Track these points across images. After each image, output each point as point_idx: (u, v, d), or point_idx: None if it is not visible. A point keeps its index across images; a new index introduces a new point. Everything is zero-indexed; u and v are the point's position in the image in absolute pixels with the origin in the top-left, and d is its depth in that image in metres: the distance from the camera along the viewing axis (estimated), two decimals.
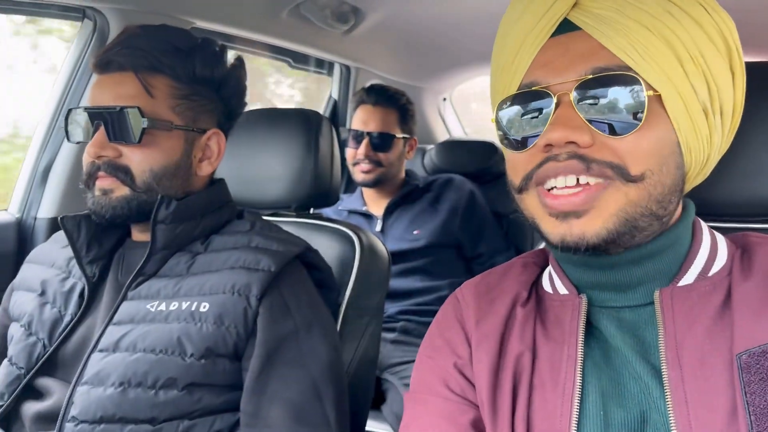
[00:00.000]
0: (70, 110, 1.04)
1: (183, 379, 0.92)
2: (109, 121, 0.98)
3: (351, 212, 2.19)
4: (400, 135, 2.11)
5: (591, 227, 0.64)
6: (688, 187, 0.74)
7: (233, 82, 1.13)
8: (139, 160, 1.00)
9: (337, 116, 2.61)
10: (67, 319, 1.02)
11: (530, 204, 0.70)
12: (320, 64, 2.56)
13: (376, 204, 2.18)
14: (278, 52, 2.22)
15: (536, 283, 0.81)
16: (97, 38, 1.50)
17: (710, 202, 0.87)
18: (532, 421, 0.69)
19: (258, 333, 0.96)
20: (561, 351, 0.70)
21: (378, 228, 2.12)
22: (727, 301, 0.66)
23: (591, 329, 0.71)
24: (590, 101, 0.64)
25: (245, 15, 1.77)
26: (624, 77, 0.63)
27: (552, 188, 0.66)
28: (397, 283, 2.04)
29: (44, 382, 0.99)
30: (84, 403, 0.91)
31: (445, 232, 2.08)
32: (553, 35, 0.68)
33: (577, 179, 0.64)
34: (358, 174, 2.10)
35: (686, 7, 0.65)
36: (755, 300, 0.65)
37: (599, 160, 0.64)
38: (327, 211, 2.21)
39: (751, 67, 0.75)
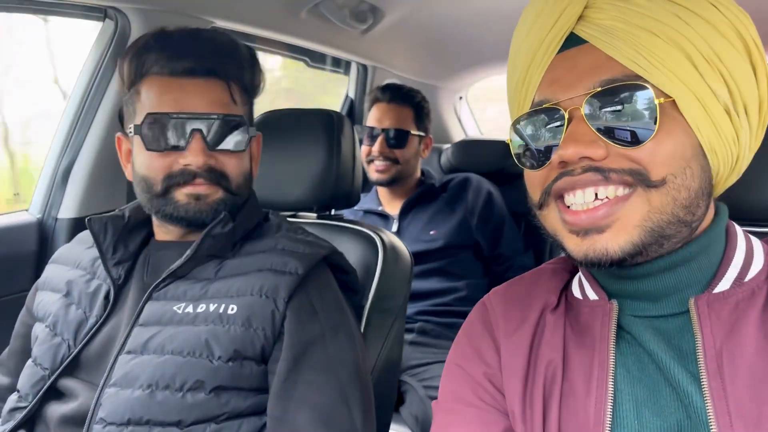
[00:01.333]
0: (148, 115, 0.99)
1: (210, 382, 0.91)
2: (206, 129, 0.99)
3: (366, 212, 2.18)
4: (415, 132, 2.10)
5: (614, 242, 0.63)
6: (721, 190, 0.72)
7: (261, 88, 1.14)
8: (234, 166, 1.03)
9: (353, 115, 2.60)
10: (92, 320, 1.02)
11: (551, 220, 0.69)
12: (337, 63, 2.56)
13: (391, 204, 2.16)
14: (296, 51, 2.21)
15: (566, 289, 0.79)
16: (119, 38, 1.50)
17: (745, 206, 0.85)
18: (563, 430, 0.68)
19: (285, 336, 0.96)
20: (592, 358, 0.69)
21: (394, 228, 2.10)
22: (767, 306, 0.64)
23: (623, 335, 0.70)
24: (601, 114, 0.63)
25: (265, 14, 1.77)
26: (632, 86, 0.62)
27: (571, 205, 0.66)
28: (414, 285, 2.01)
29: (68, 383, 0.98)
30: (112, 404, 0.91)
31: (462, 232, 2.07)
32: (561, 51, 0.67)
33: (596, 194, 0.64)
34: (373, 172, 2.09)
35: (695, 8, 0.63)
36: None
37: (617, 169, 0.63)
38: (344, 211, 2.20)
39: None
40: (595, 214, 0.64)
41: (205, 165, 0.99)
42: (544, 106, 0.67)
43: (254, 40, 1.95)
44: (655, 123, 0.61)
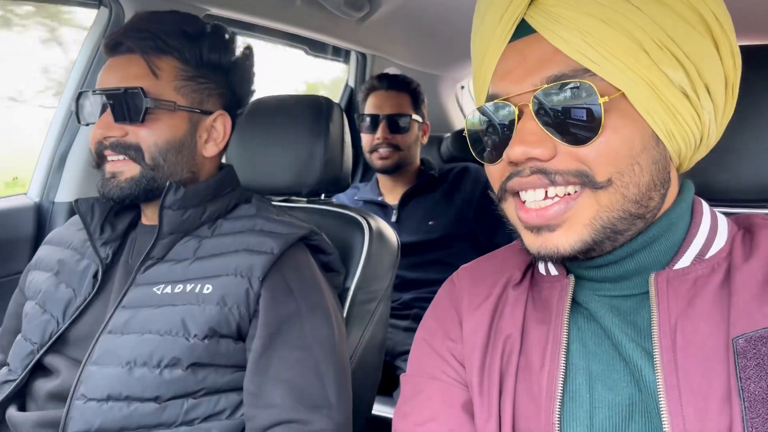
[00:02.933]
0: (80, 93, 1.07)
1: (187, 359, 0.94)
2: (114, 102, 1.01)
3: (366, 202, 2.19)
4: (415, 116, 2.11)
5: (564, 240, 0.64)
6: (688, 165, 0.72)
7: (241, 69, 1.15)
8: (145, 137, 1.03)
9: (353, 104, 2.61)
10: (80, 299, 1.05)
11: (510, 214, 0.71)
12: (337, 51, 2.56)
13: (391, 194, 2.18)
14: (294, 39, 2.22)
15: (534, 265, 0.80)
16: (113, 25, 1.52)
17: (716, 186, 0.85)
18: (518, 403, 0.69)
19: (260, 314, 0.98)
20: (548, 332, 0.70)
21: (393, 219, 2.11)
22: (726, 283, 0.65)
23: (581, 310, 0.71)
24: (548, 111, 0.63)
25: (259, 1, 1.78)
26: (578, 84, 0.61)
27: (525, 201, 0.66)
28: (411, 274, 2.04)
29: (54, 360, 1.01)
30: (92, 381, 0.93)
31: (460, 222, 2.07)
32: (514, 39, 0.66)
33: (546, 192, 0.64)
34: (377, 161, 2.10)
35: None
36: (755, 283, 0.63)
37: (562, 171, 0.63)
38: (343, 200, 2.22)
39: (756, 50, 0.73)
40: (546, 214, 0.64)
41: (109, 136, 1.02)
42: (495, 101, 0.67)
43: (252, 28, 1.96)
44: (601, 121, 0.61)
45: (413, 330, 1.94)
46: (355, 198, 2.23)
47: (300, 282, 1.03)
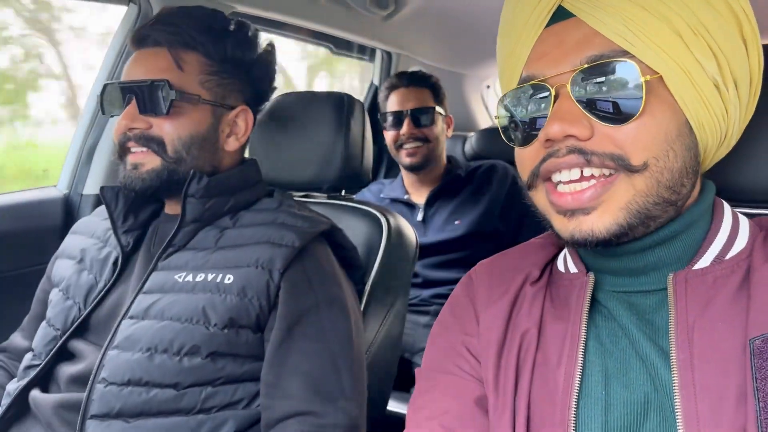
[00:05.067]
0: (105, 85, 1.09)
1: (206, 348, 0.95)
2: (140, 94, 1.03)
3: (393, 200, 2.19)
4: (438, 109, 2.11)
5: (600, 223, 0.63)
6: (709, 164, 0.72)
7: (264, 66, 1.17)
8: (169, 130, 1.05)
9: (378, 103, 2.62)
10: (101, 285, 1.07)
11: (540, 201, 0.70)
12: (362, 50, 2.57)
13: (418, 192, 2.17)
14: (319, 37, 2.24)
15: (552, 263, 0.80)
16: (141, 21, 1.55)
17: (736, 187, 0.84)
18: (533, 399, 0.69)
19: (279, 306, 0.99)
20: (565, 329, 0.70)
21: (419, 218, 2.11)
22: (745, 283, 0.64)
23: (600, 308, 0.71)
24: (587, 91, 0.63)
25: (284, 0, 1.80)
26: (619, 63, 0.62)
27: (558, 183, 0.66)
28: (434, 274, 2.04)
29: (78, 345, 1.04)
30: (114, 365, 0.96)
31: (485, 220, 2.06)
32: (549, 24, 0.67)
33: (581, 171, 0.64)
34: (404, 158, 2.10)
35: None
36: None
37: (599, 153, 0.63)
38: (368, 197, 2.23)
39: None
40: (581, 197, 0.64)
41: (133, 128, 1.04)
42: (531, 82, 0.67)
43: (278, 26, 1.99)
44: (641, 100, 0.61)
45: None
46: (381, 195, 2.23)
47: (319, 276, 1.04)
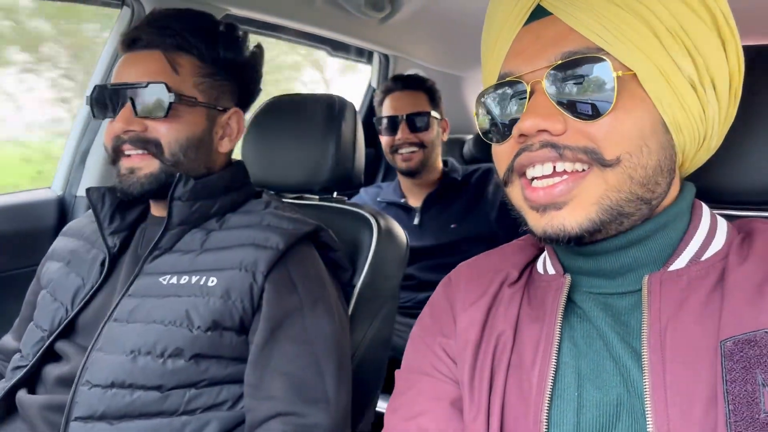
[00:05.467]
0: (95, 87, 1.07)
1: (190, 350, 0.96)
2: (135, 97, 1.02)
3: (389, 204, 2.19)
4: (434, 113, 2.11)
5: (571, 218, 0.64)
6: (691, 168, 0.72)
7: (253, 67, 1.17)
8: (166, 133, 1.04)
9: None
10: (87, 287, 1.08)
11: (515, 197, 0.70)
12: (360, 52, 2.58)
13: (414, 196, 2.18)
14: (316, 40, 2.24)
15: (532, 264, 0.80)
16: (135, 24, 1.56)
17: (720, 189, 0.84)
18: (507, 400, 0.69)
19: (263, 308, 0.99)
20: (540, 330, 0.70)
21: (416, 221, 2.11)
22: (719, 285, 0.64)
23: (575, 310, 0.71)
24: (561, 87, 0.63)
25: (279, 2, 1.80)
26: (592, 59, 0.62)
27: (532, 179, 0.66)
28: (428, 276, 2.04)
29: (64, 346, 1.04)
30: (97, 368, 0.96)
31: (482, 224, 2.06)
32: (527, 23, 0.67)
33: (554, 167, 0.64)
34: (400, 162, 2.10)
35: None
36: (748, 285, 0.62)
37: (572, 146, 0.63)
38: (365, 200, 2.23)
39: (760, 51, 0.72)
40: (553, 191, 0.64)
41: (129, 131, 1.03)
42: (507, 79, 0.67)
43: (274, 29, 1.99)
44: (614, 96, 0.61)
45: None
46: (378, 199, 2.23)
47: (303, 278, 1.04)
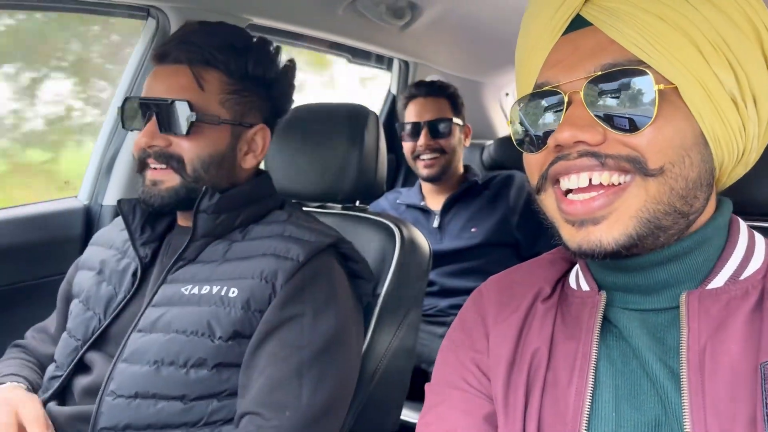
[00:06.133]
0: (126, 99, 1.10)
1: (213, 359, 0.96)
2: (160, 113, 1.04)
3: (409, 206, 2.19)
4: (456, 120, 2.11)
5: (608, 234, 0.62)
6: (727, 182, 0.71)
7: (284, 82, 1.17)
8: (188, 149, 1.05)
9: (395, 112, 2.62)
10: (120, 296, 1.09)
11: (549, 207, 0.69)
12: (380, 59, 2.58)
13: (434, 199, 2.17)
14: (337, 47, 2.25)
15: (564, 279, 0.79)
16: (160, 35, 1.58)
17: (754, 200, 0.82)
18: (543, 419, 0.68)
19: (265, 312, 0.99)
20: (576, 348, 0.69)
21: (435, 224, 2.11)
22: (759, 306, 0.63)
23: (611, 328, 0.69)
24: (600, 98, 0.62)
25: (301, 11, 1.81)
26: (633, 71, 0.61)
27: (567, 192, 0.65)
28: (451, 282, 2.03)
29: (93, 356, 1.05)
30: (122, 378, 0.97)
31: (502, 230, 2.05)
32: (566, 32, 0.66)
33: (590, 180, 0.63)
34: (422, 168, 2.10)
35: None
36: None
37: (614, 155, 0.62)
38: (384, 205, 2.23)
39: None
40: (592, 205, 0.63)
41: (153, 145, 1.04)
42: (544, 88, 0.67)
43: (295, 37, 2.00)
44: (654, 110, 0.60)
45: None
46: (398, 202, 2.23)
47: (315, 288, 1.03)
